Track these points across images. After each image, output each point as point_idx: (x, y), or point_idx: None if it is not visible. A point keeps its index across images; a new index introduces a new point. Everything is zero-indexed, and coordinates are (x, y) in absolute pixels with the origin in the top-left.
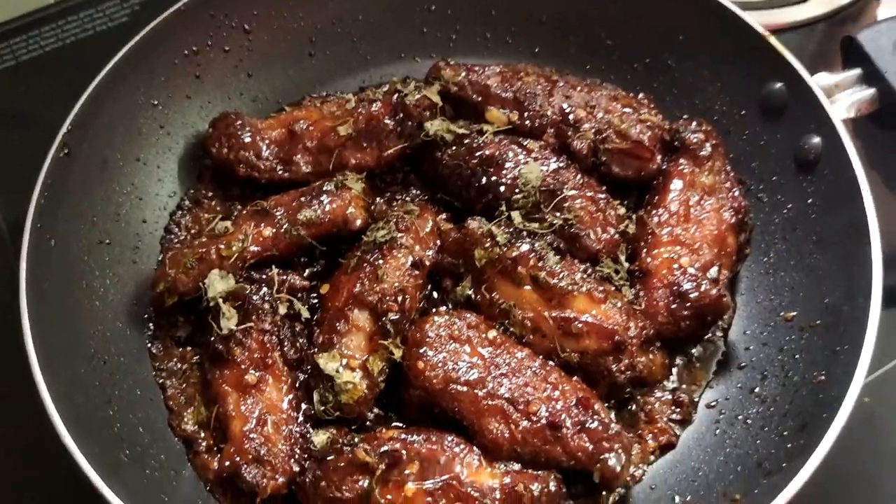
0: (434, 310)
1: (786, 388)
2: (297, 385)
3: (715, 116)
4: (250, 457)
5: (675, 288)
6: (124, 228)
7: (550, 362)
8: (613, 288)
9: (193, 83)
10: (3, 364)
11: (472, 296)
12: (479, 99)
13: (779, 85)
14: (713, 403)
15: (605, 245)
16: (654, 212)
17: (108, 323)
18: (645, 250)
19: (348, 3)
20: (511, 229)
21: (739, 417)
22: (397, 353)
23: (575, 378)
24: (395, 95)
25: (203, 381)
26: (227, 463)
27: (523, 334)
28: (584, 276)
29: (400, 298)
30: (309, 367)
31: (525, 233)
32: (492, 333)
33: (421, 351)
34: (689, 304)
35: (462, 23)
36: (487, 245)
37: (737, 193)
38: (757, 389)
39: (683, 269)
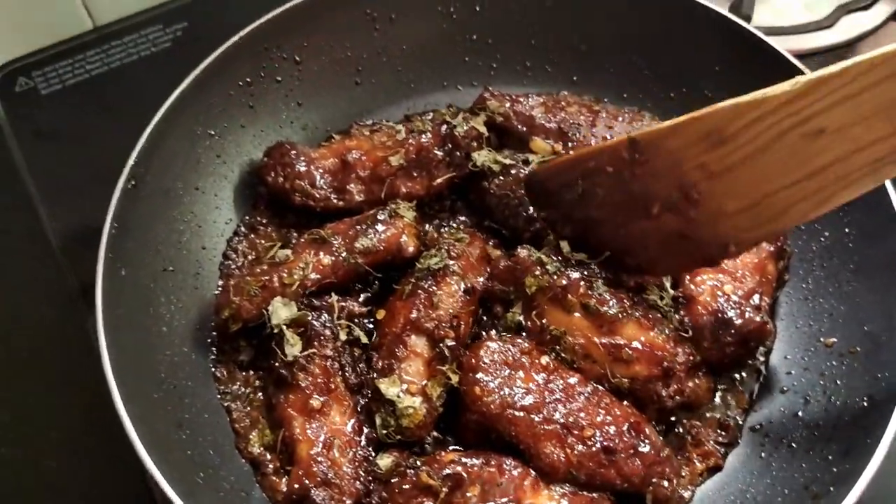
0: (485, 334)
1: (829, 412)
2: (358, 409)
3: None
4: (318, 479)
5: (719, 315)
6: (186, 256)
7: (601, 388)
8: (660, 315)
9: (247, 113)
10: (81, 393)
11: (523, 322)
12: (524, 129)
13: None
14: (758, 427)
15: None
16: None
17: (174, 348)
18: (688, 278)
19: (393, 33)
20: (560, 258)
21: (784, 441)
22: (454, 378)
23: (626, 403)
24: (444, 126)
25: (267, 405)
26: (297, 485)
27: (574, 360)
28: (633, 303)
29: (455, 324)
30: (369, 391)
31: (573, 261)
32: (544, 359)
33: (477, 376)
34: (733, 331)
35: (503, 52)
36: (538, 273)
37: None
38: (800, 413)
39: (727, 296)
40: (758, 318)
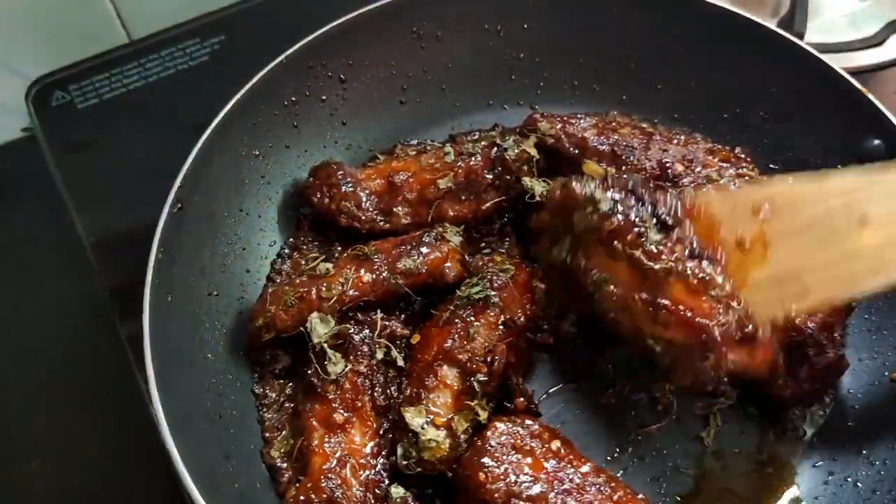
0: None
1: (894, 450)
2: (381, 432)
3: (810, 169)
4: (325, 496)
5: (794, 350)
6: (230, 279)
7: (615, 477)
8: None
9: (292, 132)
10: (116, 406)
11: (568, 259)
12: (576, 151)
13: (877, 142)
14: (820, 463)
15: None
16: None
17: (220, 376)
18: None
19: (439, 51)
20: (619, 196)
21: (849, 479)
22: (483, 415)
23: (641, 496)
24: (495, 149)
25: (293, 412)
26: (302, 498)
27: (611, 309)
28: (684, 262)
29: (489, 359)
30: (394, 416)
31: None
32: (555, 444)
33: (482, 461)
34: (809, 367)
35: (549, 70)
36: (588, 210)
37: None
38: (865, 451)
39: (800, 329)
40: (833, 352)
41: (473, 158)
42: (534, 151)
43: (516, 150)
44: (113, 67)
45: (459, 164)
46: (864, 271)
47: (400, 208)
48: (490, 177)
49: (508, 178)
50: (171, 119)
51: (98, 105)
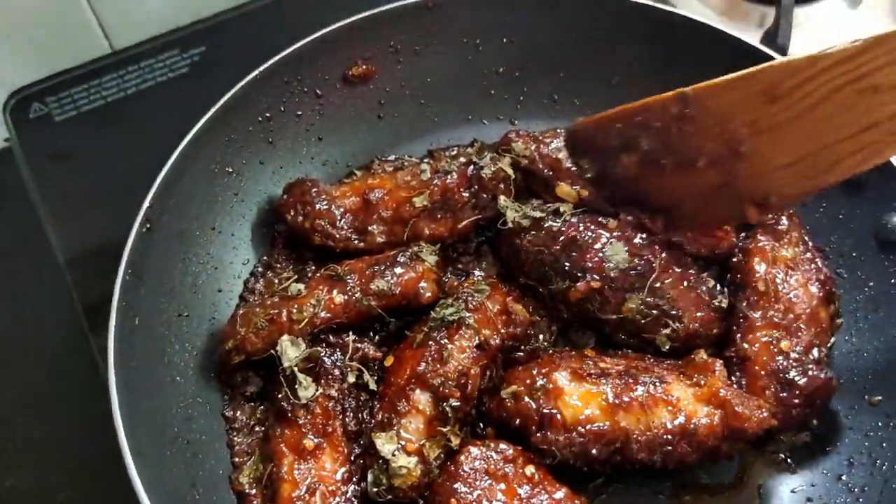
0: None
1: (874, 477)
2: (352, 458)
3: None
4: None
5: (780, 375)
6: (201, 299)
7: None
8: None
9: (266, 149)
10: (90, 418)
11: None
12: (550, 173)
13: None
14: (798, 489)
15: (701, 323)
16: (741, 294)
17: (189, 399)
18: (739, 335)
19: (417, 65)
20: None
21: None
22: (455, 441)
23: None
24: (471, 167)
25: (263, 437)
26: None
27: None
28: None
29: (462, 382)
30: (366, 441)
31: None
32: (529, 469)
33: (454, 486)
34: (798, 392)
35: (530, 84)
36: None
37: (819, 264)
38: (844, 477)
39: (785, 353)
40: (822, 375)
41: (450, 176)
42: (510, 171)
43: (493, 168)
44: (91, 79)
45: (435, 181)
46: (887, 139)
47: (375, 227)
48: (466, 195)
49: (485, 196)
50: (149, 132)
51: (76, 118)
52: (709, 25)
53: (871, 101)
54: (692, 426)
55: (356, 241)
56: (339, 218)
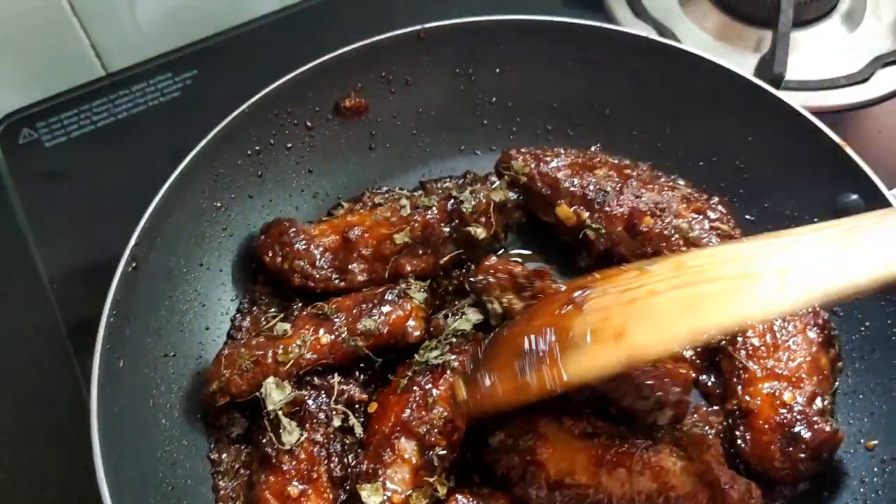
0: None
1: None
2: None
3: (786, 221)
4: None
5: (786, 430)
6: (188, 338)
7: None
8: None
9: (255, 182)
10: (73, 489)
11: None
12: (549, 192)
13: (854, 197)
14: None
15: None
16: (739, 344)
17: (174, 442)
18: (740, 388)
19: (409, 96)
20: None
21: None
22: (442, 491)
23: None
24: (451, 202)
25: (248, 481)
26: None
27: None
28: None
29: (448, 429)
30: (352, 487)
31: None
32: None
33: None
34: (804, 446)
35: (523, 115)
36: None
37: (817, 307)
38: None
39: (789, 406)
40: (827, 428)
41: (430, 212)
42: (501, 196)
43: (473, 203)
44: (82, 104)
45: (416, 217)
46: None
47: (355, 265)
48: (447, 230)
49: (466, 230)
50: (139, 157)
51: (65, 143)
52: (702, 57)
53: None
54: (676, 500)
55: (337, 281)
56: (318, 258)
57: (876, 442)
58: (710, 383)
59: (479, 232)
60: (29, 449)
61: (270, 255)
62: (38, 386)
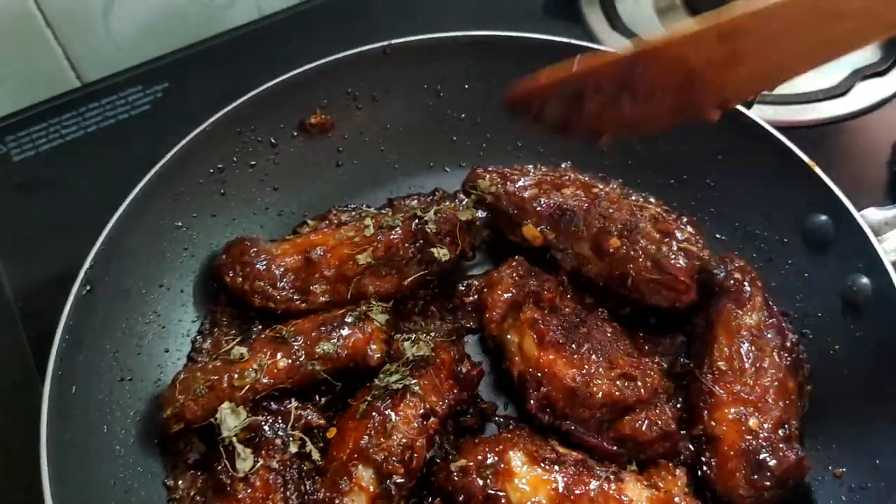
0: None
1: None
2: None
3: (756, 241)
4: None
5: (751, 457)
6: (146, 361)
7: None
8: None
9: (218, 200)
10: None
11: None
12: (515, 212)
13: (823, 217)
14: None
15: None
16: (706, 367)
17: (128, 469)
18: (706, 412)
19: (376, 112)
20: None
21: None
22: None
23: None
24: (415, 222)
25: None
26: None
27: None
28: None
29: (407, 456)
30: None
31: None
32: None
33: None
34: (770, 474)
35: (492, 131)
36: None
37: (786, 330)
38: None
39: (755, 433)
40: (792, 456)
41: (394, 231)
42: (468, 215)
43: (437, 223)
44: (52, 117)
45: (379, 237)
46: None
47: (317, 286)
48: (412, 250)
49: (430, 251)
50: (108, 171)
51: (34, 157)
52: None
53: (833, 25)
54: None
55: (298, 302)
56: (279, 278)
57: (844, 469)
58: (678, 406)
59: (443, 253)
60: None
61: (231, 275)
62: (0, 401)
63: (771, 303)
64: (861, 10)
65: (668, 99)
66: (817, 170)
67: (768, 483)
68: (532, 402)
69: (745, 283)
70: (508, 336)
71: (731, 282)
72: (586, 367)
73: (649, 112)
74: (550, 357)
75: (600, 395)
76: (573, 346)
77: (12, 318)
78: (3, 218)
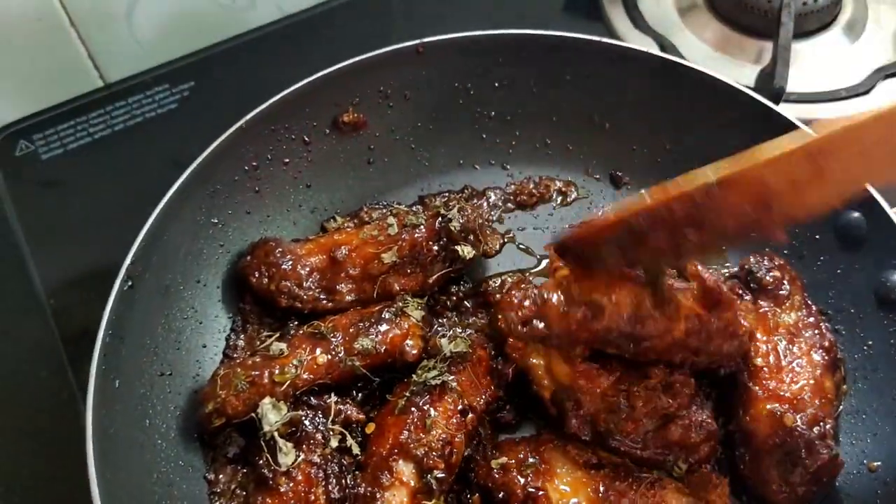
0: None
1: None
2: None
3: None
4: None
5: (785, 453)
6: (185, 356)
7: None
8: None
9: (253, 198)
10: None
11: None
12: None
13: (856, 214)
14: None
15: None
16: (742, 364)
17: (170, 462)
18: (742, 409)
19: (407, 110)
20: None
21: None
22: None
23: None
24: (439, 220)
25: (245, 502)
26: None
27: None
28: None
29: (447, 451)
30: None
31: None
32: None
33: None
34: (804, 470)
35: (522, 129)
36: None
37: (823, 329)
38: None
39: (789, 429)
40: (826, 453)
41: (418, 230)
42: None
43: (461, 220)
44: (79, 115)
45: (404, 236)
46: None
47: (343, 285)
48: (436, 248)
49: (455, 248)
50: (136, 169)
51: (62, 155)
52: (702, 73)
53: None
54: None
55: (324, 302)
56: (305, 278)
57: (879, 463)
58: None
59: (468, 251)
60: (24, 464)
61: (257, 275)
62: (34, 400)
63: (809, 302)
64: None
65: (737, 222)
66: None
67: (801, 479)
68: (574, 421)
69: (785, 282)
70: (533, 360)
71: (771, 280)
72: (623, 379)
73: (713, 238)
74: (584, 374)
75: (643, 407)
76: (602, 360)
77: (44, 315)
78: (32, 215)
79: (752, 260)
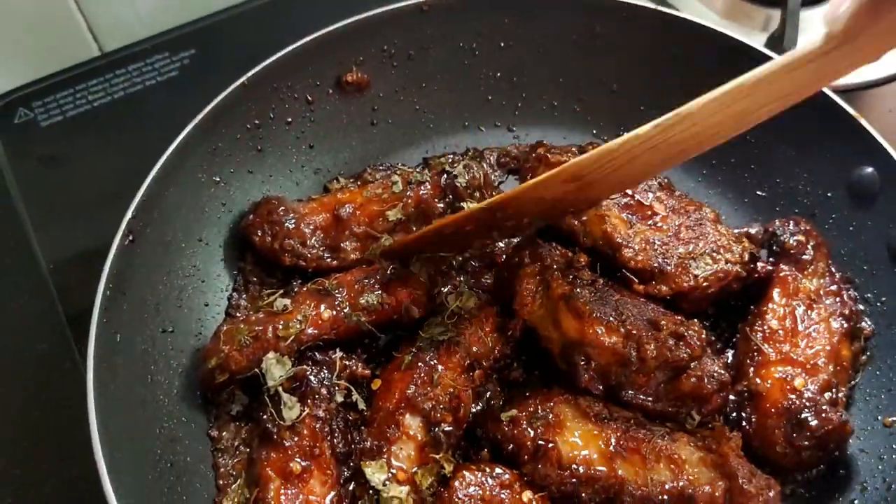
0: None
1: (888, 502)
2: (341, 481)
3: (798, 196)
4: None
5: (792, 415)
6: (187, 314)
7: None
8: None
9: (255, 157)
10: (70, 472)
11: None
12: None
13: (870, 170)
14: None
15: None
16: (757, 325)
17: (172, 420)
18: (752, 369)
19: (411, 70)
20: None
21: None
22: (448, 468)
23: None
24: (444, 177)
25: (249, 459)
26: None
27: None
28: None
29: (454, 406)
30: (355, 463)
31: None
32: (527, 495)
33: None
34: (810, 434)
35: (528, 90)
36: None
37: (846, 297)
38: (857, 502)
39: (799, 392)
40: (835, 418)
41: (423, 187)
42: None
43: (467, 177)
44: (78, 83)
45: (409, 193)
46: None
47: (347, 243)
48: (441, 205)
49: (460, 206)
50: (136, 137)
51: (62, 122)
52: (711, 29)
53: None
54: (691, 492)
55: (329, 260)
56: (309, 236)
57: (894, 419)
58: (728, 361)
59: (474, 207)
60: (28, 436)
61: (260, 234)
62: (38, 372)
63: (833, 270)
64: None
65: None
66: (863, 121)
67: (807, 443)
68: (585, 376)
69: (809, 247)
70: (541, 316)
71: (794, 244)
72: (633, 332)
73: (519, 227)
74: (594, 328)
75: (654, 358)
76: (613, 313)
77: (47, 289)
78: (32, 184)
79: (776, 223)
